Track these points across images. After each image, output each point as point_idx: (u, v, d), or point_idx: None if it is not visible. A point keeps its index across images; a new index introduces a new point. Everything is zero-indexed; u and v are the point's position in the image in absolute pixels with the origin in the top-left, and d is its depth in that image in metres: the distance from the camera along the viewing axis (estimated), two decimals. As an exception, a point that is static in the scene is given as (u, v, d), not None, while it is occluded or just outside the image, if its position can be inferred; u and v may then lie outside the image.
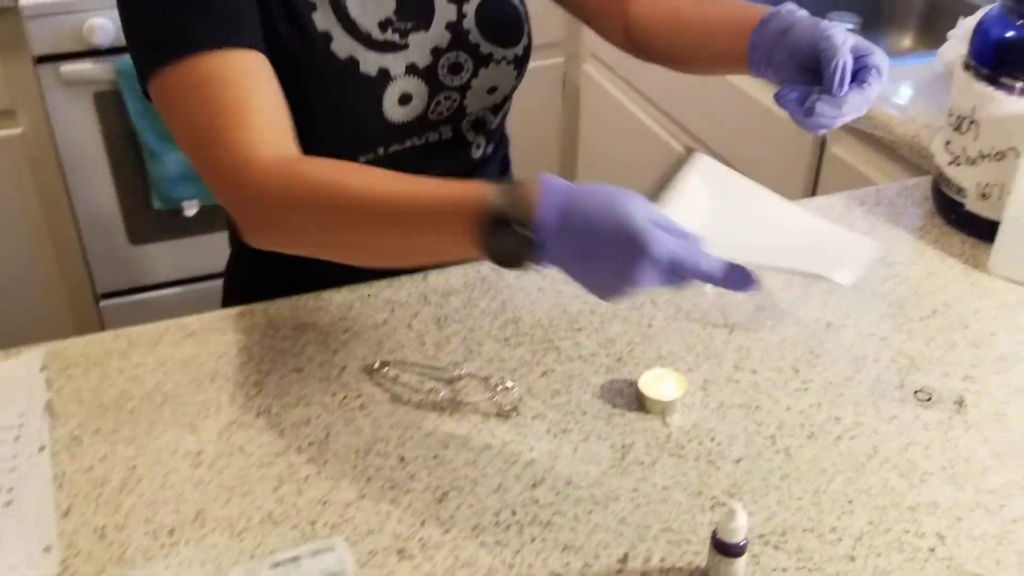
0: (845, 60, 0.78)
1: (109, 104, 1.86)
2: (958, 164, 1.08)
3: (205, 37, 0.80)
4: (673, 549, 0.74)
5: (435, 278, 1.01)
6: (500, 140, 1.13)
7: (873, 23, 1.88)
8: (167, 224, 1.99)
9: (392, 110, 0.94)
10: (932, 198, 1.15)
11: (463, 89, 0.98)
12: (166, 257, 2.04)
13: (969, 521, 0.76)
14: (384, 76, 0.92)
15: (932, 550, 0.74)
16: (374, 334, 0.94)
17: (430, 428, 0.83)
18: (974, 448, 0.83)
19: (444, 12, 0.96)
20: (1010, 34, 1.03)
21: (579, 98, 2.34)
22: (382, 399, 0.86)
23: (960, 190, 1.09)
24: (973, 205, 1.08)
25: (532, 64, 2.43)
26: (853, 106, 0.80)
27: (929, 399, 0.88)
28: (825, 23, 0.83)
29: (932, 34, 1.85)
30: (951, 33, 1.39)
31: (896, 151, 1.35)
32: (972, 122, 1.06)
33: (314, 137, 0.86)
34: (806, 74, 0.83)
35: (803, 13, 0.86)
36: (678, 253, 0.64)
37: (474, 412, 0.85)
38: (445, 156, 1.02)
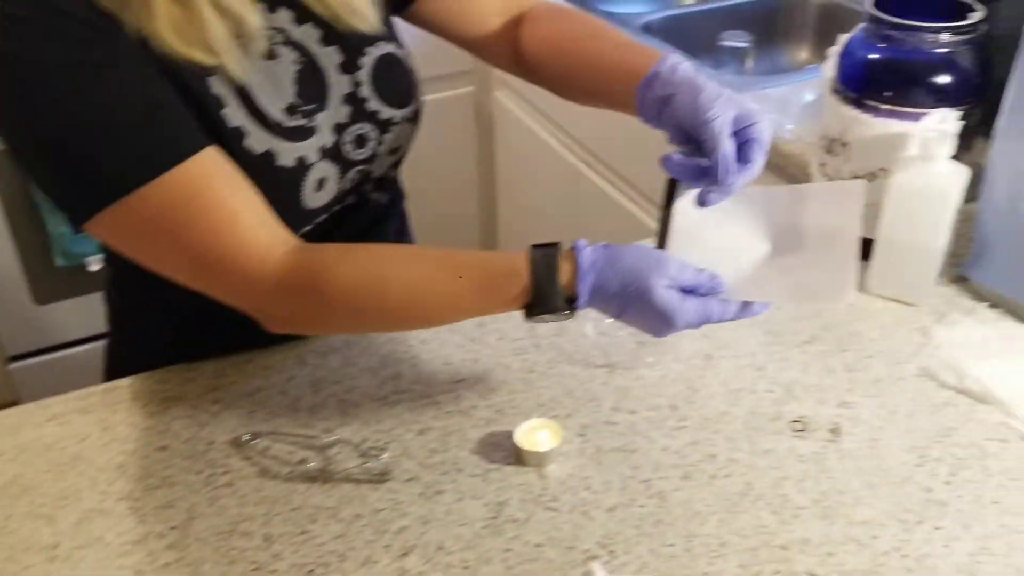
0: (726, 151, 0.79)
1: (2, 161, 1.82)
2: (832, 186, 1.09)
3: (161, 157, 0.75)
4: (543, 610, 0.72)
5: (314, 339, 0.99)
6: (397, 182, 1.11)
7: (768, 39, 1.90)
8: (72, 281, 1.95)
9: (310, 197, 0.89)
10: (813, 219, 1.15)
11: (370, 160, 0.95)
12: (74, 314, 2.00)
13: (841, 556, 0.76)
14: (301, 165, 0.87)
15: (803, 590, 0.74)
16: (246, 403, 0.92)
17: (299, 502, 0.81)
18: (847, 479, 0.83)
19: (338, 86, 0.91)
20: (874, 56, 1.04)
21: (493, 126, 2.34)
22: (250, 474, 0.84)
23: (837, 211, 1.10)
24: (850, 225, 1.09)
25: (444, 94, 2.43)
26: (741, 184, 0.81)
27: (804, 429, 0.88)
28: (704, 96, 0.80)
29: (828, 45, 1.88)
30: (831, 51, 1.40)
31: (786, 170, 1.36)
32: (843, 144, 1.06)
33: None
34: (692, 141, 0.83)
35: (684, 70, 0.84)
36: (701, 318, 0.76)
37: (346, 480, 0.83)
38: (351, 220, 1.00)
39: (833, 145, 1.07)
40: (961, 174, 0.98)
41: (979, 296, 1.04)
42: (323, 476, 0.83)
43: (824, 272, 0.78)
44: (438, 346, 0.98)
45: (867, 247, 1.04)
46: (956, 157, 1.04)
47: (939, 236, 0.98)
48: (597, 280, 0.76)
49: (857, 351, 0.97)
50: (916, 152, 0.98)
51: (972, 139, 1.08)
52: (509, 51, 1.04)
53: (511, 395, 0.92)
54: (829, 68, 1.33)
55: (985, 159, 1.01)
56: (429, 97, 2.42)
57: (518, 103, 2.17)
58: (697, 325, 0.77)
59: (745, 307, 0.79)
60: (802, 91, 1.50)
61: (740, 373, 0.95)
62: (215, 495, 0.82)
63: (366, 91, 0.93)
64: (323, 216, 0.93)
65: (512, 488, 0.82)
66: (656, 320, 0.76)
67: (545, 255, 0.77)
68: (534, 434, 0.85)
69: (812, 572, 0.75)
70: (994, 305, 1.02)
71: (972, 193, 1.03)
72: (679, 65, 0.85)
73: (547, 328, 1.01)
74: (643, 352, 0.97)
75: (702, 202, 0.80)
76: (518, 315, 1.02)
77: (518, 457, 0.85)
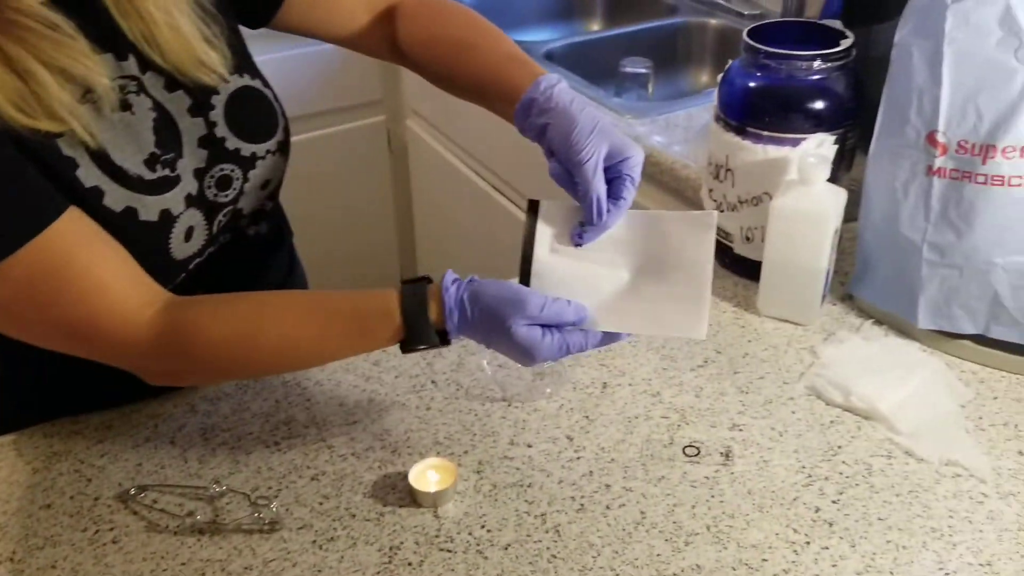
0: (598, 194, 0.81)
1: None
2: (722, 210, 1.11)
3: (18, 230, 0.73)
4: (435, 654, 0.72)
5: (203, 388, 0.98)
6: (278, 213, 1.09)
7: (668, 64, 1.94)
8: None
9: (178, 249, 0.87)
10: (707, 243, 1.17)
11: (236, 199, 0.93)
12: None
13: (731, 581, 0.77)
14: (167, 217, 0.85)
15: (694, 617, 0.74)
16: (134, 455, 0.90)
17: (187, 556, 0.80)
18: (738, 502, 0.84)
19: (191, 130, 0.88)
20: (752, 84, 1.07)
21: (407, 154, 2.34)
22: (137, 529, 0.82)
23: (727, 234, 1.12)
24: (740, 248, 1.11)
25: (356, 123, 2.42)
26: (612, 222, 0.83)
27: (697, 453, 0.89)
28: (577, 133, 0.81)
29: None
30: (721, 77, 1.44)
31: (683, 193, 1.38)
32: (728, 170, 1.09)
33: None
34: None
35: (558, 95, 0.84)
36: (561, 351, 0.77)
37: (236, 531, 0.82)
38: (231, 258, 0.98)
39: (719, 171, 1.10)
40: (838, 196, 1.01)
41: (864, 313, 1.07)
42: (212, 528, 0.82)
43: (679, 304, 0.79)
44: (332, 387, 0.98)
45: (759, 270, 1.07)
46: (840, 177, 1.07)
47: (821, 257, 1.00)
48: (462, 317, 0.78)
49: (748, 373, 0.99)
50: (795, 176, 1.00)
51: (853, 159, 1.11)
52: (386, 46, 1.04)
53: (407, 434, 0.92)
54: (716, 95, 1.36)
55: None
56: (342, 127, 2.42)
57: (429, 131, 2.18)
58: (558, 358, 0.78)
59: (607, 336, 0.80)
60: (703, 114, 1.53)
61: (636, 400, 0.96)
62: (101, 553, 0.80)
63: (222, 130, 0.90)
64: (197, 261, 0.91)
65: (407, 531, 0.82)
66: (518, 354, 0.78)
67: (415, 294, 0.79)
68: (428, 474, 0.85)
69: (703, 599, 0.76)
70: (878, 322, 1.05)
71: (855, 212, 1.06)
72: (553, 89, 0.85)
73: (444, 364, 1.01)
74: (541, 384, 0.98)
75: (577, 242, 0.83)
76: (412, 354, 1.02)
77: (413, 498, 0.85)
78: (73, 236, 0.77)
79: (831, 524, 0.82)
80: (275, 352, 0.81)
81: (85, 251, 0.77)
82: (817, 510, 0.83)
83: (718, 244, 1.12)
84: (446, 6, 1.02)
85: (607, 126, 0.82)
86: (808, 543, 0.80)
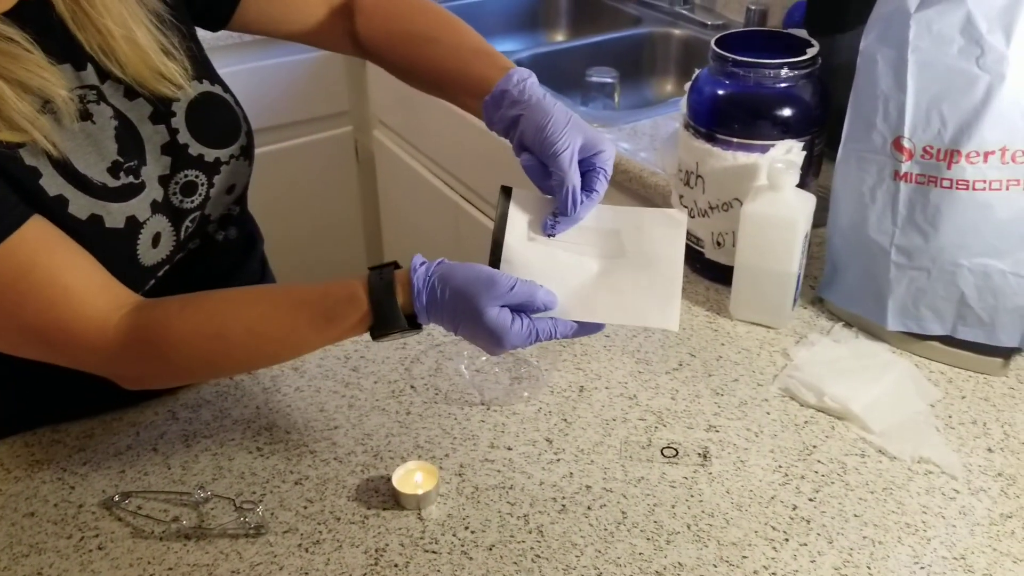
0: (573, 185, 0.82)
1: None
2: (692, 216, 1.13)
3: None
4: (424, 654, 0.73)
5: (185, 392, 0.98)
6: (247, 218, 1.10)
7: (634, 73, 1.97)
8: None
9: (146, 255, 0.88)
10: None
11: (203, 205, 0.94)
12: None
13: (712, 577, 0.79)
14: (133, 224, 0.85)
15: (677, 613, 0.76)
16: (116, 463, 0.89)
17: (173, 561, 0.80)
18: (716, 501, 0.86)
19: (153, 137, 0.89)
20: (720, 92, 1.09)
21: (374, 164, 2.34)
22: (123, 535, 0.82)
23: (698, 240, 1.14)
24: (711, 253, 1.14)
25: (324, 134, 2.43)
26: (584, 213, 0.84)
27: (676, 454, 0.91)
28: (552, 125, 0.83)
29: (691, 78, 1.95)
30: (688, 85, 1.46)
31: (651, 200, 1.40)
32: (698, 177, 1.11)
33: None
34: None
35: (531, 87, 0.86)
36: (530, 338, 0.77)
37: (221, 536, 0.82)
38: (201, 264, 0.99)
39: (689, 177, 1.12)
40: (807, 201, 1.03)
41: (834, 316, 1.09)
42: (198, 533, 0.82)
43: (651, 295, 0.81)
44: (312, 393, 0.98)
45: (730, 274, 1.09)
46: (808, 183, 1.10)
47: (791, 262, 1.03)
48: (431, 298, 0.77)
49: (722, 375, 1.01)
50: (765, 182, 1.03)
51: (821, 165, 1.14)
52: (347, 40, 1.04)
53: (388, 438, 0.93)
54: (684, 103, 1.38)
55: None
56: (310, 138, 2.42)
57: (396, 141, 2.19)
58: (527, 344, 0.78)
59: (579, 327, 0.79)
60: (668, 123, 1.55)
61: (613, 403, 0.97)
62: (86, 560, 0.80)
63: (184, 136, 0.91)
64: (166, 268, 0.92)
65: (391, 533, 0.83)
66: (486, 339, 0.76)
67: (381, 278, 0.78)
68: (412, 477, 0.86)
69: (685, 595, 0.77)
70: (847, 324, 1.08)
71: (824, 218, 1.09)
72: (526, 81, 0.86)
73: (423, 369, 1.02)
74: (518, 388, 0.99)
75: (549, 233, 0.84)
76: (394, 357, 1.03)
77: (396, 501, 0.85)
78: (37, 243, 0.77)
79: (808, 521, 0.84)
80: (244, 346, 0.80)
81: (50, 257, 0.77)
82: (794, 508, 0.85)
83: (689, 249, 1.15)
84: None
85: (580, 120, 0.84)
86: (787, 540, 0.82)
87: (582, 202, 0.83)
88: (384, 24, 1.00)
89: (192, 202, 0.92)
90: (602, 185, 0.84)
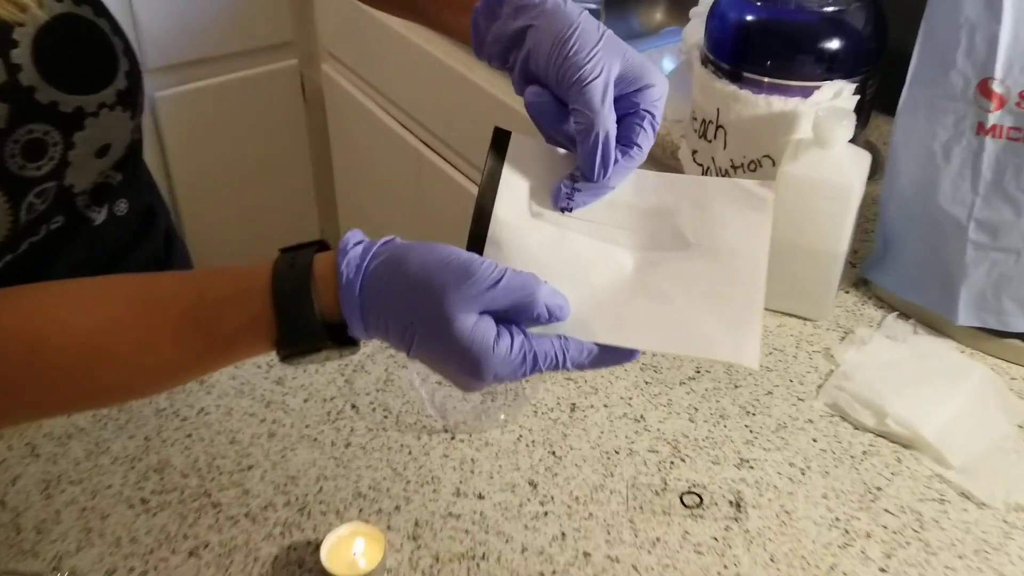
0: (606, 131, 0.55)
1: None
2: (710, 176, 0.90)
3: None
4: None
5: (51, 420, 0.74)
6: (140, 187, 0.84)
7: (618, 1, 1.71)
8: None
9: None
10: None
11: (58, 172, 0.69)
12: None
13: None
14: None
15: None
16: (-55, 527, 0.66)
17: None
18: (758, 573, 0.64)
19: None
20: (749, 18, 0.85)
21: (323, 104, 2.08)
22: (-59, 642, 0.59)
23: (716, 208, 0.91)
24: (732, 224, 0.90)
25: (266, 68, 2.17)
26: (617, 181, 0.57)
27: (700, 503, 0.69)
28: (576, 39, 0.55)
29: (684, 5, 1.70)
30: (694, 11, 1.21)
31: (652, 155, 1.16)
32: (719, 127, 0.87)
33: None
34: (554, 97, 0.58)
35: None
36: (527, 362, 0.50)
37: (81, 640, 0.59)
38: (60, 247, 0.74)
39: (707, 128, 0.88)
40: (863, 162, 0.81)
41: (885, 304, 0.87)
42: (48, 638, 0.59)
43: (718, 314, 0.54)
44: (221, 417, 0.75)
45: (755, 252, 0.86)
46: (855, 136, 0.87)
47: (841, 239, 0.80)
48: (368, 297, 0.49)
49: (752, 387, 0.79)
50: (808, 136, 0.80)
51: (870, 115, 0.91)
52: None
53: (320, 483, 0.70)
54: (692, 32, 1.14)
55: (881, 139, 0.83)
56: (249, 72, 2.15)
57: (348, 76, 1.92)
58: (519, 375, 0.50)
59: (604, 351, 0.52)
60: (660, 57, 1.32)
61: (614, 427, 0.75)
62: None
63: (30, 76, 0.65)
64: (8, 255, 0.68)
65: (320, 629, 0.60)
66: (455, 364, 0.49)
67: (293, 265, 0.51)
68: (349, 546, 0.63)
69: None
70: (904, 315, 0.86)
71: (868, 179, 0.86)
72: None
73: (368, 381, 0.79)
74: (492, 407, 0.76)
75: (563, 206, 0.57)
76: (330, 366, 0.80)
77: (328, 578, 0.63)
78: None
79: (881, 600, 0.63)
80: (70, 365, 0.52)
81: None
82: (860, 580, 0.64)
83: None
84: None
85: (616, 38, 0.56)
86: (855, 630, 0.61)
87: (616, 161, 0.56)
88: None
89: (38, 168, 0.67)
90: (647, 139, 0.57)
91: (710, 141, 0.89)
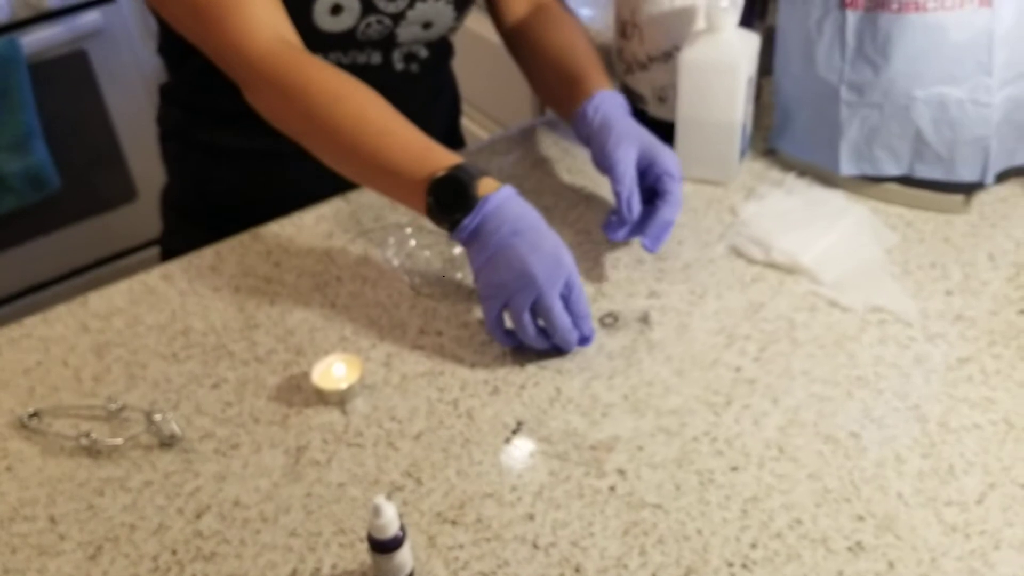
0: (629, 191, 0.88)
1: None
2: (632, 71, 1.05)
3: None
4: (345, 552, 0.69)
5: (96, 301, 0.92)
6: (443, 82, 1.15)
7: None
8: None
9: (321, 17, 0.92)
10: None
11: (397, 17, 0.96)
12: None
13: (650, 449, 0.74)
14: None
15: (612, 488, 0.72)
16: (25, 380, 0.85)
17: (84, 477, 0.76)
18: (656, 369, 0.81)
19: None
20: (651, -74, 0.99)
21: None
22: (32, 454, 0.78)
23: (640, 97, 1.06)
24: (655, 110, 1.06)
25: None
26: (655, 234, 0.89)
27: (616, 322, 0.85)
28: (612, 141, 0.89)
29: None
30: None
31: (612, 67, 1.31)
32: (634, 26, 1.02)
33: None
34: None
35: (604, 112, 0.92)
36: (539, 336, 0.82)
37: (135, 447, 0.78)
38: (372, 81, 0.91)
39: (625, 28, 1.03)
40: (750, 42, 0.95)
41: (787, 166, 1.02)
42: (109, 447, 0.78)
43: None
44: (231, 293, 0.92)
45: (672, 131, 1.01)
46: (754, 26, 1.01)
47: (735, 110, 0.95)
48: (501, 213, 0.79)
49: (668, 239, 0.94)
50: (703, 26, 0.95)
51: (767, 4, 1.05)
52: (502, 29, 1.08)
53: (311, 333, 0.88)
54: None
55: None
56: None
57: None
58: (532, 339, 0.81)
59: (584, 341, 0.83)
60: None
61: (550, 276, 0.91)
62: (-11, 485, 0.76)
63: None
64: (339, 54, 0.97)
65: (313, 430, 0.78)
66: (517, 273, 0.78)
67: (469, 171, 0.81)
68: (333, 370, 0.81)
69: (621, 469, 0.73)
70: (801, 173, 1.01)
71: (772, 64, 1.01)
72: (601, 106, 0.92)
73: (349, 259, 0.96)
74: (451, 269, 0.93)
75: (611, 236, 0.89)
76: (318, 249, 0.97)
77: (319, 398, 0.81)
78: None
79: (752, 382, 0.79)
80: (348, 122, 0.84)
81: None
82: (738, 370, 0.80)
83: (634, 109, 1.07)
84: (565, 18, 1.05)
85: (639, 132, 0.91)
86: (728, 404, 0.77)
87: (637, 207, 0.88)
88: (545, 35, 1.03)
89: (387, 6, 0.95)
90: (670, 185, 0.89)
91: (629, 39, 1.04)
